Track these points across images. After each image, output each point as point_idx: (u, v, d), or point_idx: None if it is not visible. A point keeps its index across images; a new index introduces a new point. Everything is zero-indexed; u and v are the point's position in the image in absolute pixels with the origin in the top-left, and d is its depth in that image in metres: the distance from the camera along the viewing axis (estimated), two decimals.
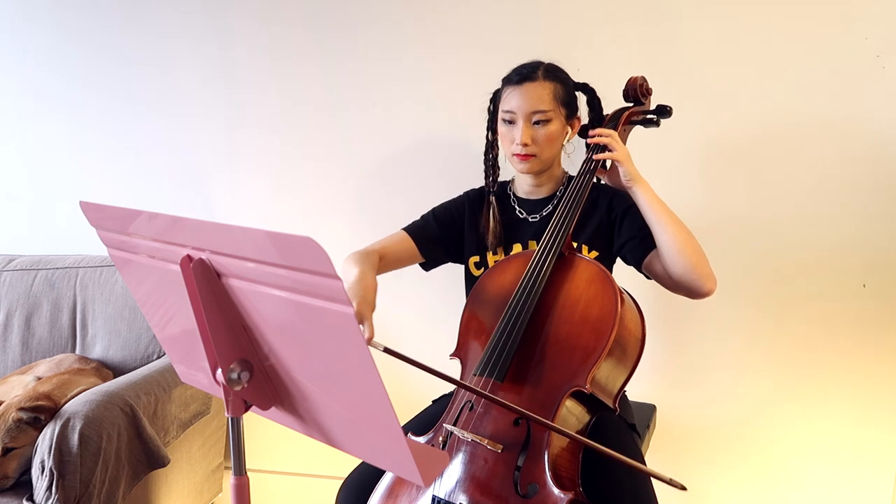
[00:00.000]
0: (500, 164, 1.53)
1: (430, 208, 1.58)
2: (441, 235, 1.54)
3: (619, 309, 1.18)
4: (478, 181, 1.57)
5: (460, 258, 1.56)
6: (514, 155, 1.41)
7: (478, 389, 1.14)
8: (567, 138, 1.45)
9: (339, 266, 1.12)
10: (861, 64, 1.60)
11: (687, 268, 1.27)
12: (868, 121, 1.62)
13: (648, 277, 1.41)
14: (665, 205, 1.31)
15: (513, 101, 1.39)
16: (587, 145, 1.41)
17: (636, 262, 1.40)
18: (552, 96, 1.38)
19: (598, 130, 1.35)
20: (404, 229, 1.54)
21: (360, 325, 1.17)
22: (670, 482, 0.96)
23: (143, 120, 2.16)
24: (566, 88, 1.42)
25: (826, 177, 1.67)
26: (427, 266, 1.58)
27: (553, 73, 1.41)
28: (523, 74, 1.40)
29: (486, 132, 1.51)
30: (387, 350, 1.14)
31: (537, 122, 1.38)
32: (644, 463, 1.29)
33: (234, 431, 0.87)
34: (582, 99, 1.49)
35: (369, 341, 1.14)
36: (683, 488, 0.96)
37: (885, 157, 1.63)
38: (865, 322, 1.69)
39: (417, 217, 1.57)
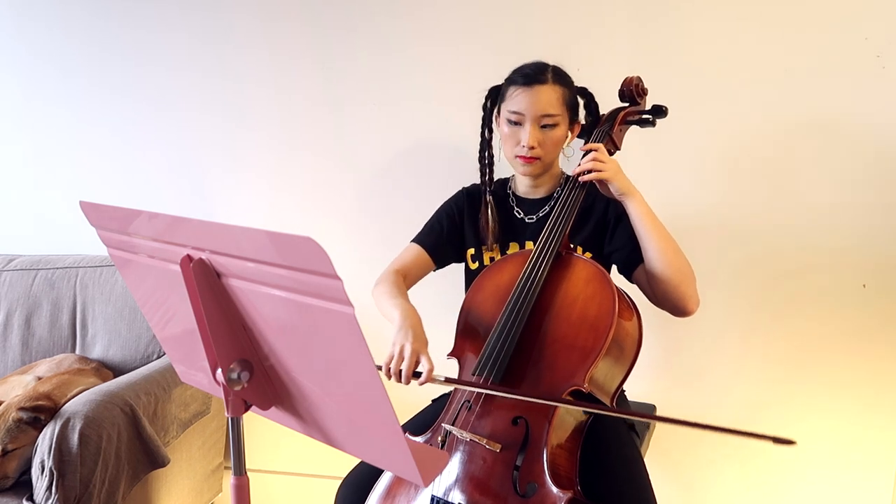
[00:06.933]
0: (495, 162, 1.52)
1: (429, 206, 1.57)
2: (448, 236, 1.54)
3: (617, 308, 1.18)
4: (477, 179, 1.57)
5: (462, 254, 1.56)
6: (517, 157, 1.39)
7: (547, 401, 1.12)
8: (567, 142, 1.44)
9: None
10: (861, 64, 1.60)
11: (670, 286, 1.26)
12: (868, 121, 1.62)
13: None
14: (657, 220, 1.28)
15: (521, 102, 1.36)
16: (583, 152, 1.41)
17: (624, 271, 1.41)
18: (561, 101, 1.37)
19: (586, 150, 1.32)
20: (416, 242, 1.53)
21: (420, 361, 1.17)
22: (775, 439, 1.00)
23: (143, 119, 2.16)
24: (572, 93, 1.41)
25: (826, 177, 1.67)
26: (438, 267, 1.57)
27: (562, 78, 1.39)
28: (531, 76, 1.36)
29: (481, 130, 1.50)
30: (448, 379, 1.17)
31: (545, 126, 1.36)
32: (643, 464, 1.29)
33: (234, 431, 0.87)
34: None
35: (430, 374, 1.15)
36: (791, 442, 0.99)
37: (885, 157, 1.63)
38: (866, 322, 1.69)
39: (418, 218, 1.56)
